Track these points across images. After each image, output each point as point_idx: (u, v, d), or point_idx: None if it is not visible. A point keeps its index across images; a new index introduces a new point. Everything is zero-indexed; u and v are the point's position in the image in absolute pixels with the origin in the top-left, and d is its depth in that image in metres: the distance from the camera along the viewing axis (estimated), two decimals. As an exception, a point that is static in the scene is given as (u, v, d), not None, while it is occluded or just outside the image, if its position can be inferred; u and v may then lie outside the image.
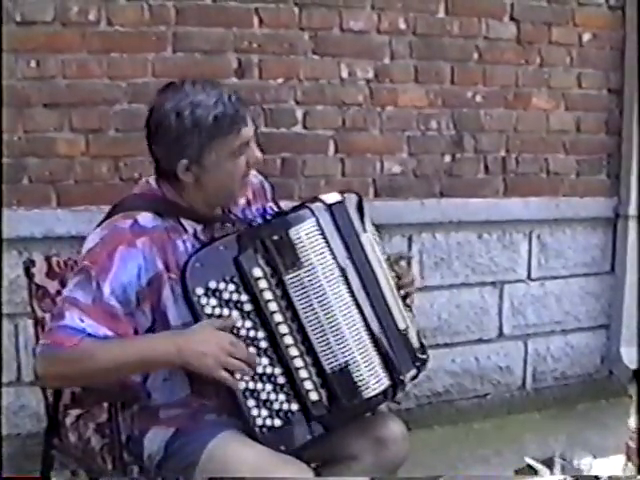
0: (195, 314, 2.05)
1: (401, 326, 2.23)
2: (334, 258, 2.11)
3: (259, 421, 2.08)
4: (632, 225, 4.44)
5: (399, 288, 2.31)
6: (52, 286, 2.46)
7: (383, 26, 3.86)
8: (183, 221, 2.15)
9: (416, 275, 2.40)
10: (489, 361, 4.29)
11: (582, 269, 4.47)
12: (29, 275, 2.48)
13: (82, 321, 1.99)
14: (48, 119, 3.33)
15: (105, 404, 2.22)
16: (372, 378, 2.12)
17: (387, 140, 3.93)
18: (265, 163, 3.68)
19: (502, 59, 4.13)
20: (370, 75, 3.86)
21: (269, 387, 2.09)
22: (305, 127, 3.75)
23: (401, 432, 2.32)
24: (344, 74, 3.81)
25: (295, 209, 2.16)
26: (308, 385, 2.09)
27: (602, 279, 4.53)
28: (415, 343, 2.28)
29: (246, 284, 2.07)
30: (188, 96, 2.06)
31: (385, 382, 2.15)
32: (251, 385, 2.07)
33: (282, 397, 2.09)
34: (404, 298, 2.32)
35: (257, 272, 2.07)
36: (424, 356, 2.31)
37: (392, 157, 3.95)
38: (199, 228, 2.16)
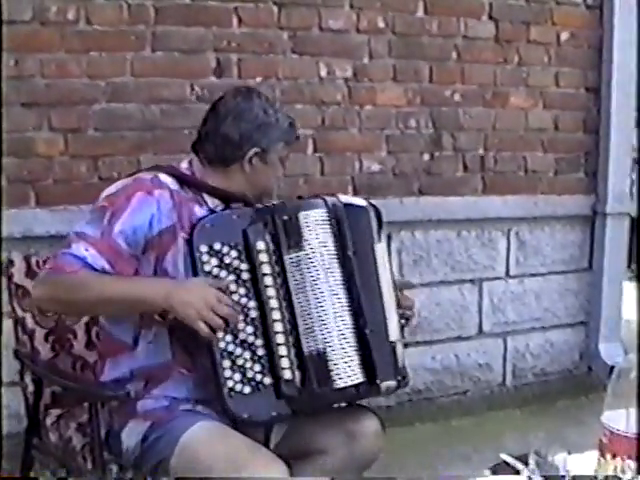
0: (195, 270, 2.14)
1: (392, 337, 2.25)
2: (337, 249, 2.19)
3: (230, 383, 2.12)
4: (609, 223, 4.48)
5: (400, 308, 2.34)
6: (31, 286, 2.45)
7: (362, 25, 3.87)
8: (206, 198, 2.26)
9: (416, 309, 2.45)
10: (469, 358, 4.31)
11: (560, 266, 4.50)
12: (8, 275, 2.48)
13: (86, 250, 2.12)
14: (27, 118, 3.32)
15: (85, 404, 2.23)
16: (346, 370, 2.16)
17: (366, 139, 3.95)
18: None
19: (480, 58, 4.15)
20: (349, 74, 3.87)
21: (247, 355, 2.14)
22: (284, 126, 3.75)
23: (374, 428, 2.34)
24: (323, 73, 3.82)
25: (309, 198, 2.30)
26: (284, 363, 2.15)
27: (580, 276, 4.56)
28: (400, 361, 2.29)
29: (248, 254, 2.17)
30: (269, 101, 2.35)
31: (359, 378, 2.17)
32: (231, 347, 2.13)
33: (257, 367, 2.14)
34: (403, 318, 2.35)
35: (260, 245, 2.17)
36: (406, 377, 2.31)
37: (371, 156, 3.97)
38: (220, 208, 2.26)
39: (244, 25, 3.64)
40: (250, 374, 2.14)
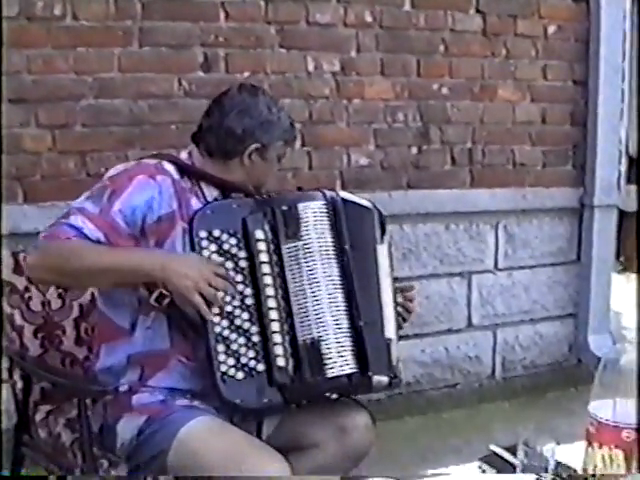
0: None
1: (387, 334, 2.26)
2: (334, 242, 2.22)
3: (223, 367, 2.13)
4: (597, 215, 4.49)
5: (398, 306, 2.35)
6: (20, 282, 2.45)
7: (349, 19, 3.87)
8: (204, 188, 2.29)
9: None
10: (458, 351, 4.32)
11: (549, 259, 4.52)
12: (-5, 271, 2.48)
13: (83, 223, 2.13)
14: (14, 115, 3.31)
15: (75, 400, 2.23)
16: (339, 360, 2.17)
17: (354, 132, 3.95)
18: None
19: (468, 51, 4.16)
20: (337, 68, 3.87)
21: (242, 340, 2.15)
22: (272, 120, 3.76)
23: (365, 422, 2.34)
24: (310, 67, 3.82)
25: (311, 190, 2.33)
26: (278, 350, 2.15)
27: (569, 268, 4.58)
28: (394, 359, 2.29)
29: (247, 242, 2.20)
30: (273, 99, 2.36)
31: (352, 367, 2.18)
32: (226, 332, 2.14)
33: (251, 354, 2.16)
34: (400, 317, 2.37)
35: (259, 234, 2.20)
36: (399, 376, 2.31)
37: (359, 149, 3.97)
38: (218, 198, 2.29)
39: (231, 19, 3.64)
40: (244, 360, 2.15)
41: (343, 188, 3.88)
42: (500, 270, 4.39)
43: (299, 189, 2.44)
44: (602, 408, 1.85)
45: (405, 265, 4.10)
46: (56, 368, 2.43)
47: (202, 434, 2.10)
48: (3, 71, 3.21)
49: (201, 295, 2.08)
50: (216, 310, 2.12)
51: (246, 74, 3.68)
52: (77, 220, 2.13)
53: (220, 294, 2.12)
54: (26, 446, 2.45)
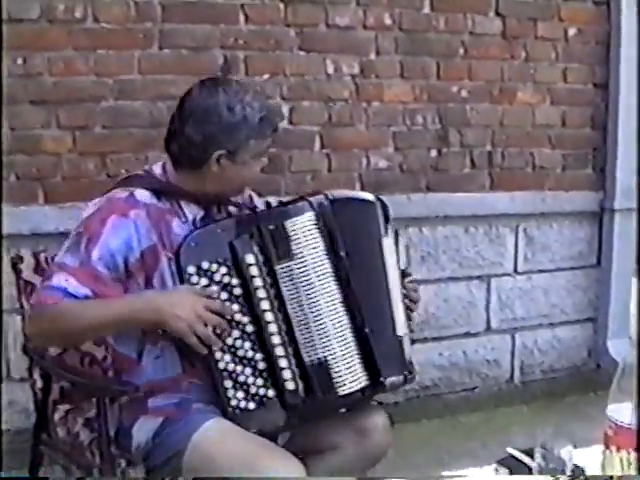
0: None
1: (399, 332, 2.25)
2: (328, 253, 2.15)
3: (233, 402, 2.12)
4: (617, 219, 4.47)
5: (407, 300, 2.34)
6: (40, 282, 2.46)
7: (369, 22, 3.87)
8: (184, 206, 2.20)
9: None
10: (477, 355, 4.31)
11: (569, 262, 4.50)
12: (17, 271, 2.49)
13: (66, 281, 2.07)
14: (35, 116, 3.34)
15: (93, 399, 2.24)
16: (349, 376, 2.15)
17: (373, 135, 3.95)
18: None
19: (487, 54, 4.15)
20: (356, 71, 3.87)
21: (248, 371, 2.13)
22: (291, 123, 3.76)
23: (383, 423, 2.34)
24: (330, 70, 3.82)
25: (297, 200, 2.22)
26: (286, 374, 2.13)
27: (588, 272, 4.56)
28: (407, 355, 2.29)
29: (238, 268, 2.13)
30: (238, 93, 2.16)
31: (363, 382, 2.17)
32: (231, 366, 2.12)
33: (260, 382, 2.14)
34: (408, 308, 2.34)
35: (250, 258, 2.13)
36: (412, 371, 2.31)
37: (378, 152, 3.97)
38: (199, 216, 2.22)
39: (251, 22, 3.65)
40: (253, 390, 2.13)
41: (362, 191, 3.87)
42: (519, 274, 4.38)
43: (301, 199, 2.27)
44: (620, 411, 1.85)
45: (424, 268, 4.10)
46: (75, 367, 2.43)
47: (217, 436, 2.10)
48: (3, 70, 3.23)
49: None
50: (219, 354, 2.10)
51: (265, 76, 3.69)
52: (60, 280, 2.08)
53: (220, 328, 2.09)
54: (45, 445, 2.46)
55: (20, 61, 3.28)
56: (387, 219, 2.29)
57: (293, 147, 3.78)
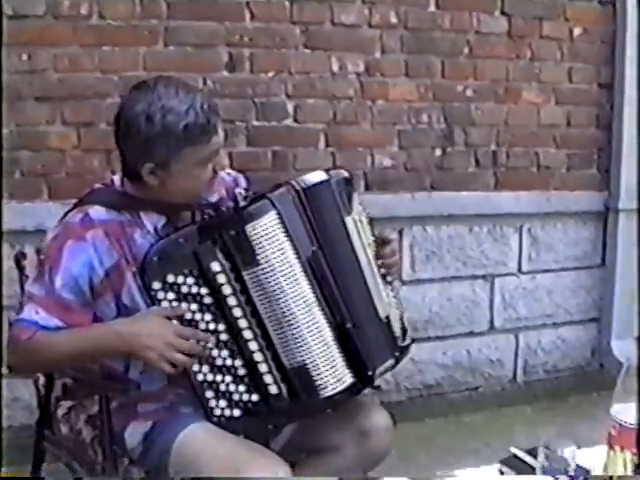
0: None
1: (382, 314, 2.20)
2: (296, 252, 2.06)
3: (217, 411, 2.09)
4: (622, 219, 4.46)
5: (383, 267, 2.27)
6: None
7: (374, 20, 3.87)
8: (143, 217, 2.14)
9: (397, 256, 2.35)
10: (480, 354, 4.31)
11: (573, 262, 4.49)
12: (20, 267, 2.49)
13: (37, 313, 2.05)
14: (40, 112, 3.34)
15: (95, 396, 2.24)
16: (331, 377, 2.07)
17: (378, 134, 3.95)
18: (256, 157, 3.74)
19: (493, 53, 4.14)
20: (361, 69, 3.87)
21: (229, 379, 2.08)
22: (296, 121, 3.77)
23: (385, 423, 2.31)
24: (335, 68, 3.82)
25: (257, 199, 2.09)
26: (268, 379, 2.07)
27: (593, 272, 4.55)
28: (397, 331, 2.25)
29: (205, 277, 2.04)
30: (160, 99, 2.01)
31: (347, 380, 2.11)
32: (210, 377, 2.08)
33: (242, 388, 2.09)
34: (384, 276, 2.27)
35: (215, 266, 2.04)
36: (405, 343, 2.28)
37: (383, 151, 3.97)
38: (160, 224, 2.15)
39: (256, 20, 3.65)
40: (236, 397, 2.09)
41: (367, 189, 3.90)
42: (523, 273, 4.37)
43: (262, 196, 2.10)
44: (624, 412, 1.84)
45: (428, 267, 4.10)
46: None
47: (202, 437, 2.08)
48: (3, 70, 3.23)
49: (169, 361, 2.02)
50: (196, 367, 2.06)
51: (270, 74, 3.69)
52: (30, 312, 2.06)
53: (193, 352, 2.04)
54: (48, 441, 2.46)
55: (25, 57, 3.29)
56: (349, 192, 2.19)
57: (298, 145, 3.78)
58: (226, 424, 2.10)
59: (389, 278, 2.30)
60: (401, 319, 2.30)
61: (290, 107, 3.75)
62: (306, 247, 2.08)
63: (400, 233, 4.03)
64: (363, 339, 2.13)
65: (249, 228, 2.02)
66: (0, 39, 3.20)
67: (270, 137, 3.70)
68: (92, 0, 3.36)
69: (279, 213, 2.04)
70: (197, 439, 2.08)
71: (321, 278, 2.09)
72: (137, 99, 2.03)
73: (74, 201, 3.26)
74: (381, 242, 2.29)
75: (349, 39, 3.83)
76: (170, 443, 2.09)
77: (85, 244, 2.07)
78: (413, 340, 2.33)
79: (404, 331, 2.30)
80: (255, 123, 3.64)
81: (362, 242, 2.20)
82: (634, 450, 1.77)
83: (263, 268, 2.02)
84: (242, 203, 2.13)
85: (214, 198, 2.22)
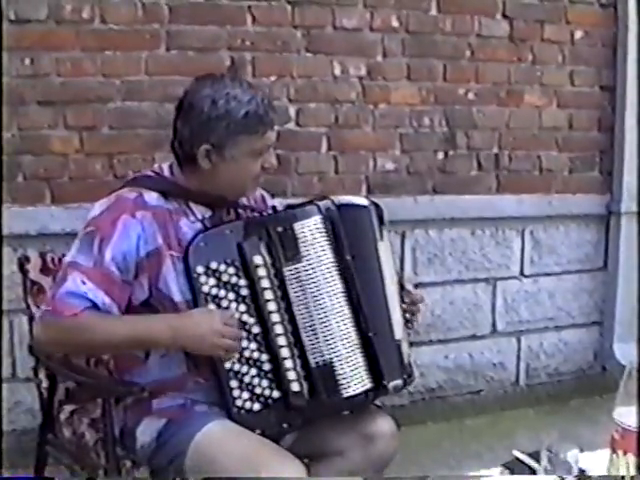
0: (194, 292, 2.12)
1: (397, 336, 2.25)
2: (335, 256, 2.16)
3: (239, 402, 2.13)
4: (624, 222, 4.46)
5: (404, 304, 2.33)
6: (47, 282, 2.46)
7: (376, 24, 3.87)
8: (192, 206, 2.20)
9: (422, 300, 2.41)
10: (482, 357, 4.31)
11: (575, 266, 4.49)
12: (23, 271, 2.50)
13: (84, 283, 2.07)
14: (42, 117, 3.35)
15: (99, 399, 2.24)
16: (354, 378, 2.15)
17: (380, 137, 3.95)
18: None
19: (494, 56, 4.14)
20: (363, 72, 3.87)
21: (254, 371, 2.14)
22: (298, 124, 3.77)
23: (389, 428, 2.33)
24: (337, 72, 3.82)
25: (303, 205, 2.22)
26: (291, 375, 2.14)
27: (595, 276, 4.55)
28: (406, 358, 2.29)
29: (246, 269, 2.14)
30: (226, 87, 2.13)
31: (367, 384, 2.18)
32: (236, 367, 2.13)
33: (265, 383, 2.15)
34: (407, 320, 2.34)
35: (258, 259, 2.13)
36: (411, 374, 2.32)
37: (385, 154, 3.97)
38: (207, 215, 2.22)
39: (258, 24, 3.65)
40: (258, 390, 2.14)
41: (369, 193, 3.89)
42: (526, 276, 4.37)
43: (310, 202, 2.25)
44: (627, 415, 1.84)
45: (430, 270, 4.10)
46: (81, 368, 2.44)
47: (219, 437, 2.10)
48: (3, 71, 3.23)
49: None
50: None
51: (272, 78, 3.69)
52: (76, 283, 2.07)
53: (238, 338, 2.11)
54: (51, 445, 2.47)
55: (28, 62, 3.29)
56: (382, 222, 2.28)
57: (300, 149, 3.78)
58: (245, 417, 2.13)
59: (410, 325, 2.36)
60: (409, 355, 2.33)
61: (292, 111, 3.75)
62: (342, 254, 2.18)
63: (402, 236, 4.03)
64: (381, 350, 2.19)
65: (297, 226, 2.14)
66: (0, 43, 3.21)
67: (272, 141, 3.69)
68: (94, 4, 3.36)
69: (324, 218, 2.17)
70: (213, 439, 2.09)
71: (351, 285, 2.18)
72: (204, 85, 2.15)
73: (76, 205, 3.33)
74: (409, 281, 2.47)
75: (351, 43, 3.83)
76: (186, 445, 2.11)
77: (136, 222, 2.12)
78: (414, 378, 2.35)
79: (410, 365, 2.32)
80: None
81: (389, 268, 2.27)
82: (637, 453, 1.77)
83: (304, 265, 2.13)
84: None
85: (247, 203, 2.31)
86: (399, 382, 2.25)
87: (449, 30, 4.02)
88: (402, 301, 2.32)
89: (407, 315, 2.33)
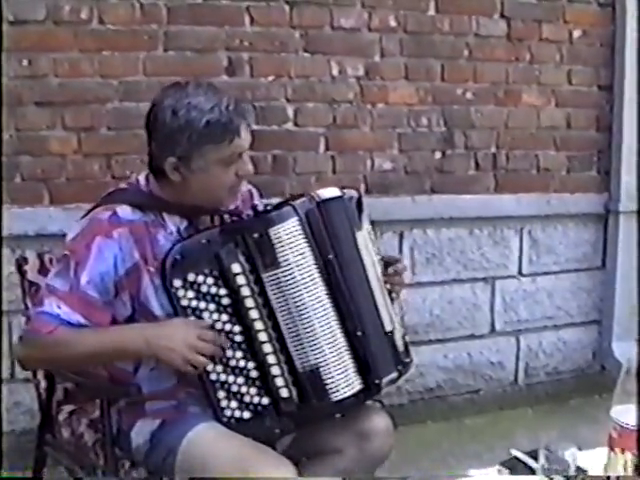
0: (174, 306, 2.09)
1: (387, 328, 2.24)
2: (315, 258, 2.11)
3: (228, 412, 2.11)
4: (622, 221, 4.46)
5: (386, 277, 2.31)
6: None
7: (374, 24, 3.88)
8: (167, 218, 2.17)
9: (407, 273, 2.39)
10: (481, 357, 4.31)
11: (573, 265, 4.49)
12: (21, 272, 2.50)
13: (59, 308, 2.06)
14: (40, 117, 3.35)
15: (97, 400, 2.24)
16: (342, 382, 2.12)
17: (378, 137, 3.95)
18: (256, 160, 3.73)
19: (492, 56, 4.14)
20: (360, 72, 3.87)
21: (241, 380, 2.12)
22: (296, 124, 3.77)
23: (385, 426, 2.33)
24: (335, 72, 3.82)
25: (280, 206, 2.16)
26: (279, 382, 2.11)
27: (593, 275, 4.55)
28: (400, 346, 2.29)
29: (225, 278, 2.09)
30: (188, 96, 2.08)
31: (356, 386, 2.15)
32: (222, 377, 2.11)
33: (253, 391, 2.12)
34: (390, 292, 2.31)
35: (236, 268, 2.09)
36: (407, 359, 2.32)
37: (383, 154, 3.97)
38: (183, 226, 2.19)
39: (256, 24, 3.65)
40: (247, 398, 2.12)
41: (367, 192, 3.89)
42: (524, 276, 4.37)
43: (285, 203, 2.18)
44: (625, 413, 1.84)
45: (428, 270, 4.10)
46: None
47: (210, 437, 2.10)
48: (3, 72, 3.24)
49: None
50: (210, 367, 2.09)
51: (270, 78, 3.70)
52: (52, 306, 2.06)
53: (215, 355, 2.08)
54: (49, 445, 2.47)
55: (26, 62, 3.29)
56: (360, 209, 2.24)
57: (298, 149, 3.78)
58: (235, 426, 2.12)
59: (393, 295, 2.34)
60: (403, 337, 2.33)
61: (290, 111, 3.75)
62: (323, 255, 2.13)
63: (400, 236, 4.03)
64: (371, 348, 2.17)
65: (272, 231, 2.08)
66: (0, 41, 3.21)
67: (270, 141, 3.69)
68: (92, 5, 3.37)
69: (300, 220, 2.10)
70: (205, 439, 2.09)
71: (335, 285, 2.14)
72: (167, 95, 2.11)
73: (74, 206, 3.33)
74: (387, 261, 2.35)
75: (349, 43, 3.83)
76: (177, 443, 2.11)
77: (112, 242, 2.10)
78: (412, 359, 2.35)
79: (406, 349, 2.33)
80: (255, 127, 3.63)
81: (371, 257, 2.24)
82: (635, 452, 1.77)
83: (283, 270, 2.07)
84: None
85: (231, 207, 2.25)
86: (394, 375, 2.24)
87: (447, 30, 4.02)
88: (386, 282, 2.29)
89: (389, 286, 2.30)
